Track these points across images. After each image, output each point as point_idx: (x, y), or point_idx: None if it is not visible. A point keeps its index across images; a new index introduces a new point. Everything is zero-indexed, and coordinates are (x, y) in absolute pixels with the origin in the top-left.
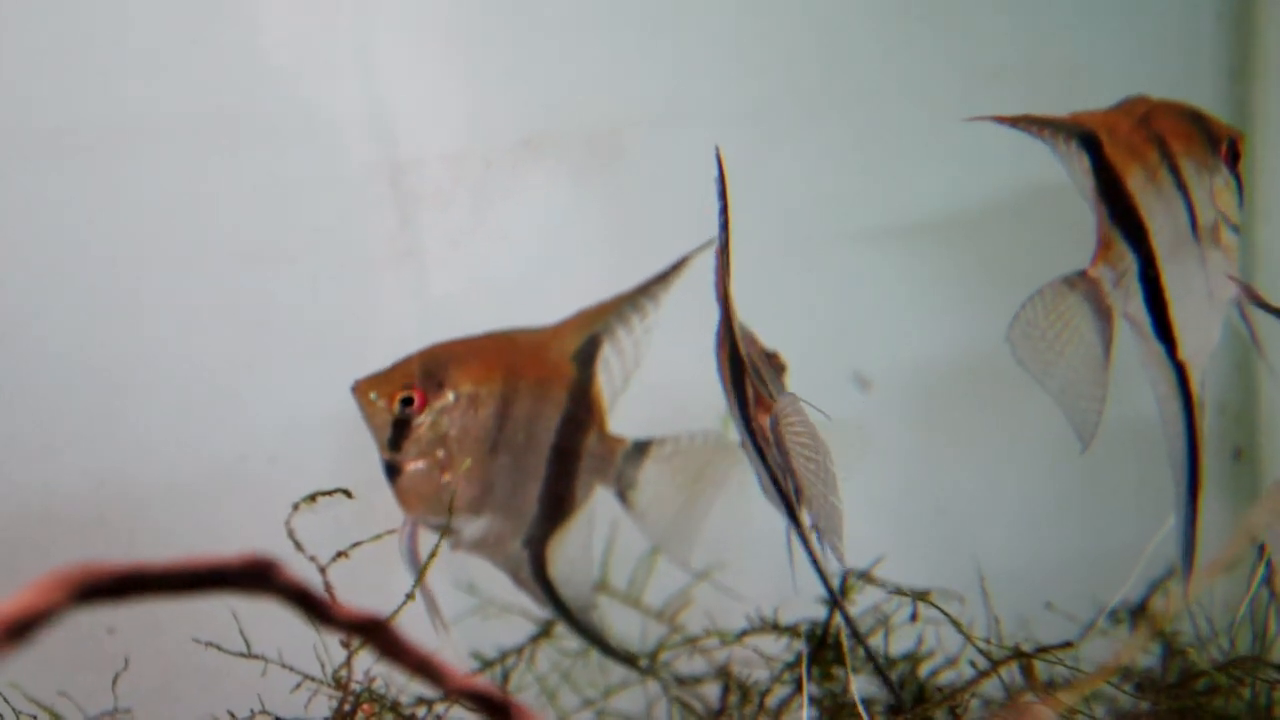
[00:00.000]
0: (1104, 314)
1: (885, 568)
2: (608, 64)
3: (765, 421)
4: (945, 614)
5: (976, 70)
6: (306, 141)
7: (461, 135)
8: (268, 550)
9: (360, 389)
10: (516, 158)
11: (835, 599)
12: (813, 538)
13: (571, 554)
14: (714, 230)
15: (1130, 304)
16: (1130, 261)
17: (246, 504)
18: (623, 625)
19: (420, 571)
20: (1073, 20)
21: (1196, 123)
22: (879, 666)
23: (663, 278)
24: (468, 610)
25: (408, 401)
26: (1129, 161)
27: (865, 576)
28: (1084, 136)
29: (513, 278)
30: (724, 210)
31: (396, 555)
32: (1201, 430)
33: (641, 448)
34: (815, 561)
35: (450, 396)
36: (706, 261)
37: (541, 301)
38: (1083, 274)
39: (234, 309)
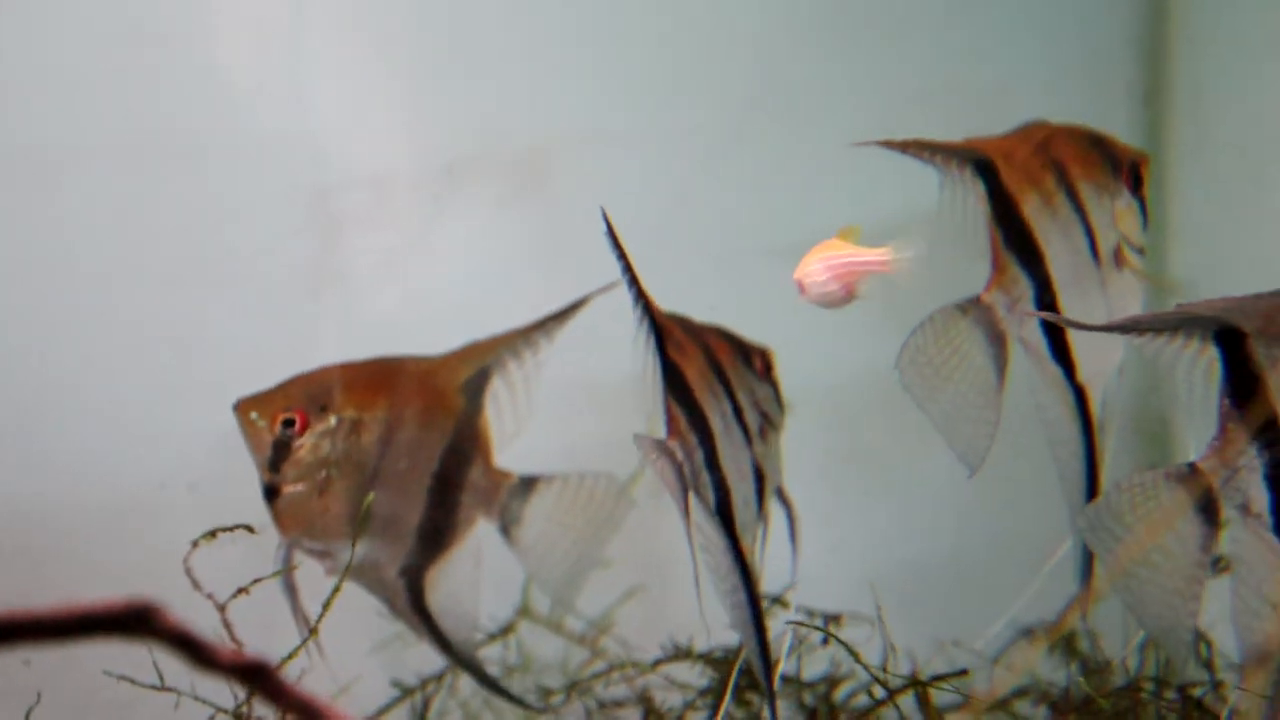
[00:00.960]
0: (997, 339)
1: (814, 591)
2: (533, 87)
3: (674, 444)
4: (841, 642)
5: (898, 93)
6: (233, 165)
7: (388, 158)
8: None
9: (242, 408)
10: (443, 180)
11: (761, 622)
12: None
13: (452, 586)
14: (633, 254)
15: (1025, 328)
16: (1025, 286)
17: (166, 532)
18: (545, 650)
19: (293, 593)
20: (991, 45)
21: (1098, 147)
22: (772, 696)
23: (559, 316)
24: (390, 636)
25: (289, 423)
26: (1025, 187)
27: (779, 601)
28: (979, 162)
29: (440, 300)
30: (625, 265)
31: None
32: (1101, 452)
33: (529, 484)
34: (750, 587)
35: (333, 420)
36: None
37: (469, 324)
38: (975, 300)
39: (158, 332)
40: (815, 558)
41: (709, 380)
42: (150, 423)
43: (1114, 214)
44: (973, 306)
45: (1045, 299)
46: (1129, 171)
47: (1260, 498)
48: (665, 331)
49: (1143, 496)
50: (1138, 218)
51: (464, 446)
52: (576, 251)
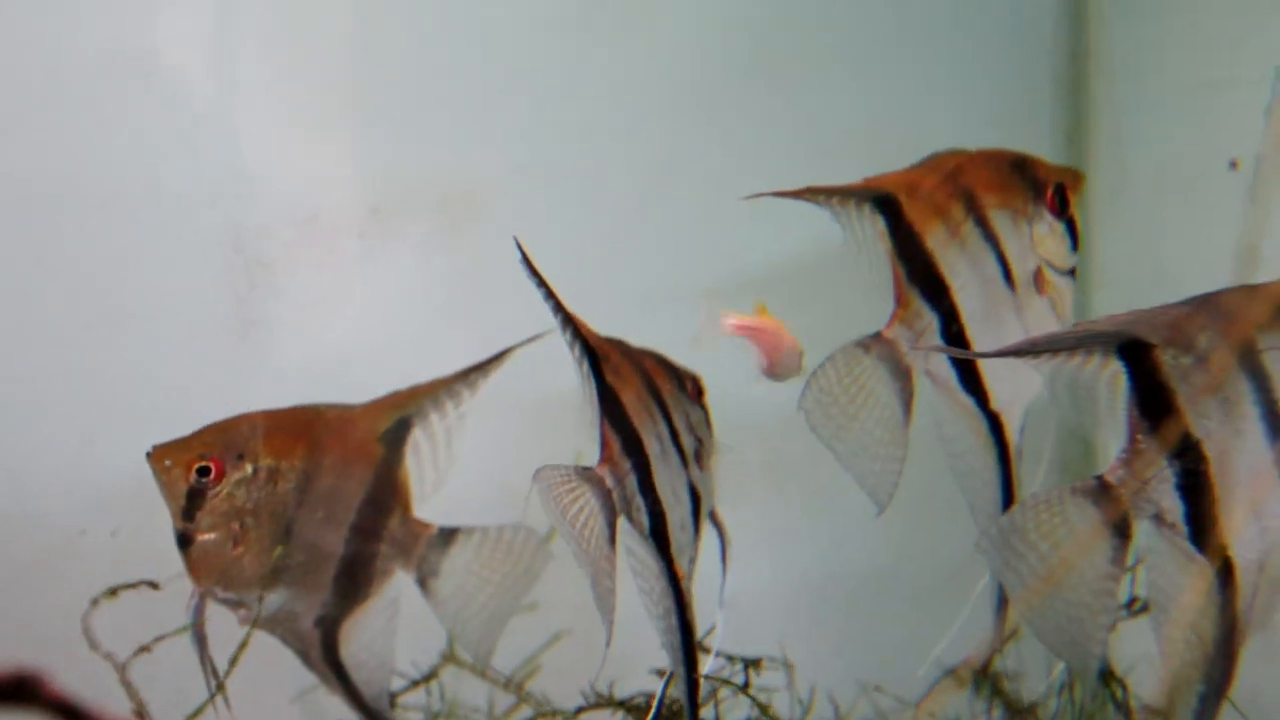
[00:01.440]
0: (901, 374)
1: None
2: (458, 131)
3: (603, 471)
4: (749, 695)
5: (825, 137)
6: (152, 207)
7: (310, 201)
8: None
9: (156, 456)
10: (366, 223)
11: (692, 646)
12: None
13: (367, 637)
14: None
15: (931, 361)
16: (929, 319)
17: (88, 579)
18: (470, 695)
19: (202, 644)
20: (914, 87)
21: (1018, 170)
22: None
23: (482, 367)
24: (312, 685)
25: (204, 471)
26: (929, 219)
27: (700, 646)
28: (879, 200)
29: (363, 344)
30: (548, 293)
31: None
32: (1016, 481)
33: (447, 535)
34: (683, 611)
35: (249, 469)
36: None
37: (396, 367)
38: (877, 336)
39: (77, 377)
40: (746, 583)
41: (646, 404)
42: (73, 468)
43: (1033, 238)
44: (875, 343)
45: (952, 330)
46: (1053, 194)
47: (1174, 507)
48: (602, 355)
49: (1048, 513)
50: (1063, 240)
51: (382, 497)
52: (504, 294)
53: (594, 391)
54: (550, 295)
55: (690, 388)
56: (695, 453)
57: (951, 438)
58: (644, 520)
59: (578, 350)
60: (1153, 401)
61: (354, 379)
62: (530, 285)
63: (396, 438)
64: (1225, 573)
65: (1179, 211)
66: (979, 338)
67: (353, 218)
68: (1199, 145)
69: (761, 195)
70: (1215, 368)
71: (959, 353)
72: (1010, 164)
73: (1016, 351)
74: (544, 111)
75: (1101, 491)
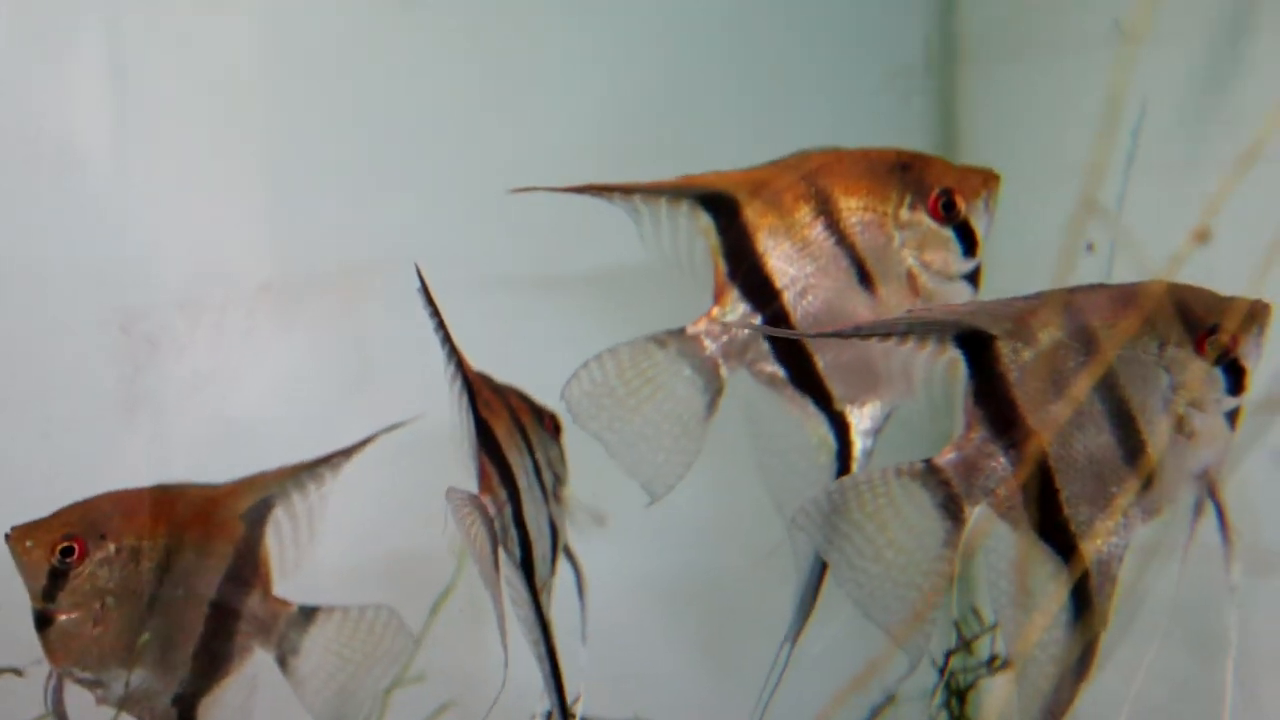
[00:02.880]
0: (705, 369)
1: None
2: (350, 209)
3: (482, 498)
4: None
5: None
6: (41, 287)
7: (199, 280)
8: None
9: (16, 537)
10: (255, 302)
11: (559, 679)
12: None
13: (225, 715)
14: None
15: (757, 360)
16: (747, 316)
17: None
18: None
19: None
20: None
21: (899, 172)
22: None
23: (346, 451)
24: None
25: (68, 552)
26: (767, 218)
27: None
28: (708, 198)
29: (252, 422)
30: (439, 323)
31: None
32: None
33: (308, 614)
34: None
35: (111, 548)
36: None
37: (282, 445)
38: (679, 332)
39: None
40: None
41: (514, 438)
42: None
43: (904, 242)
44: (674, 338)
45: (783, 327)
46: (937, 198)
47: (1012, 498)
48: (475, 388)
49: (872, 493)
50: (948, 246)
51: (243, 575)
52: (389, 372)
53: (470, 424)
54: (441, 325)
55: (549, 424)
56: (554, 488)
57: (769, 435)
58: (516, 551)
59: (458, 384)
60: (990, 391)
61: (242, 457)
62: (420, 363)
63: (258, 517)
64: (1073, 565)
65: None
66: (824, 341)
67: (243, 296)
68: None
69: (583, 190)
70: (1059, 364)
71: (771, 331)
72: (889, 166)
73: (839, 333)
74: (437, 191)
75: (929, 474)
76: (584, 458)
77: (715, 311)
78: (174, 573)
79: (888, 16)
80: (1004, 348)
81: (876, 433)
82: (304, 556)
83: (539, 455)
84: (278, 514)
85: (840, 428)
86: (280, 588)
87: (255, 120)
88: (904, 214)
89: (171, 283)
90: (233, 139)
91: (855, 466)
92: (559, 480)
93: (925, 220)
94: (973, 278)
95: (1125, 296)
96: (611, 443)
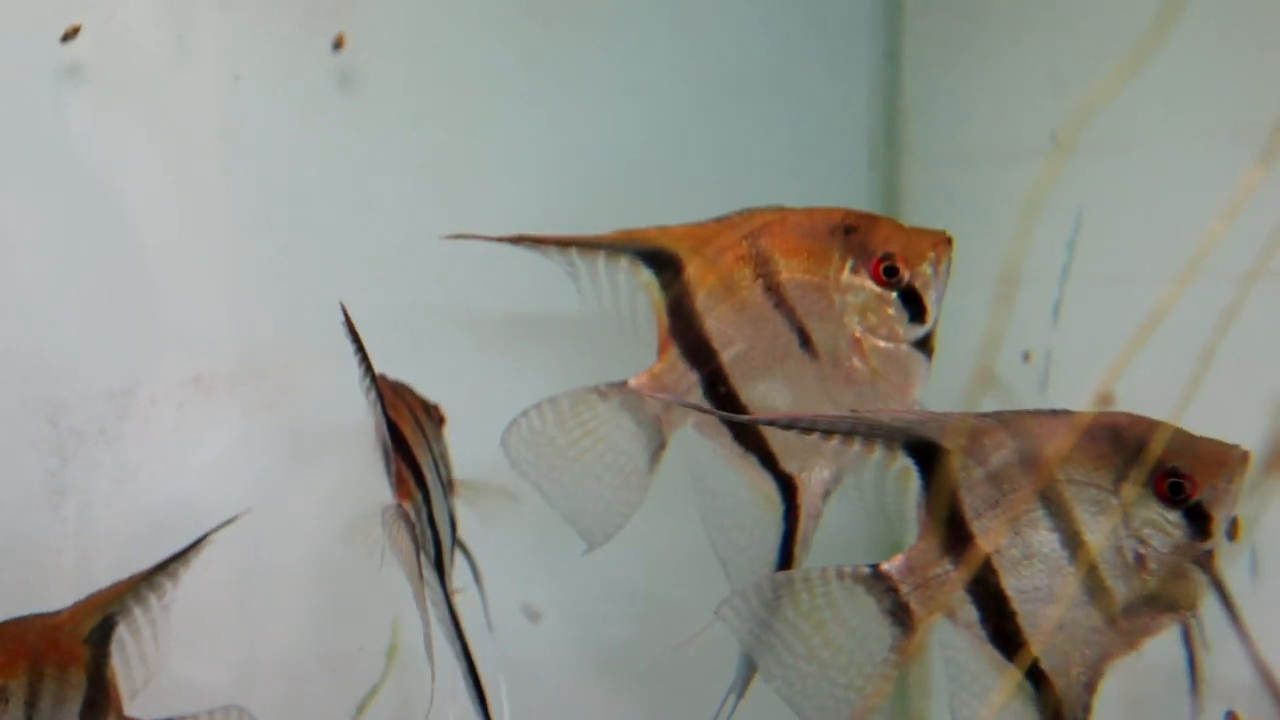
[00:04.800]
0: (646, 424)
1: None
2: (281, 300)
3: (403, 503)
4: None
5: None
6: None
7: (129, 371)
8: None
9: None
10: (187, 393)
11: (478, 680)
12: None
13: None
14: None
15: (695, 415)
16: (686, 375)
17: None
18: None
19: None
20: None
21: (841, 235)
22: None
23: (181, 556)
24: None
25: None
26: (707, 277)
27: None
28: (651, 254)
29: (181, 515)
30: (358, 346)
31: None
32: (799, 547)
33: None
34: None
35: None
36: None
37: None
38: (621, 384)
39: None
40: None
41: (419, 436)
42: None
43: (846, 307)
44: (616, 391)
45: (719, 390)
46: (879, 262)
47: (967, 611)
48: (381, 391)
49: (809, 594)
50: (893, 311)
51: (98, 700)
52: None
53: (385, 428)
54: (359, 346)
55: (435, 416)
56: (448, 482)
57: (713, 491)
58: (431, 551)
59: (373, 394)
60: (939, 504)
61: (169, 551)
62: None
63: (102, 638)
64: (1035, 679)
65: None
66: (764, 402)
67: (172, 387)
68: None
69: (522, 240)
70: (1008, 487)
71: (704, 409)
72: (832, 227)
73: (786, 424)
74: (368, 285)
75: (874, 579)
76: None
77: (657, 368)
78: (41, 710)
79: (834, 110)
80: (955, 462)
81: (827, 495)
82: (153, 671)
83: (435, 450)
84: (121, 632)
85: (787, 487)
86: (152, 702)
87: (187, 209)
88: (845, 278)
89: (100, 374)
90: (164, 228)
91: (801, 528)
92: (450, 472)
93: (868, 284)
94: (925, 344)
95: (1084, 427)
96: (549, 490)
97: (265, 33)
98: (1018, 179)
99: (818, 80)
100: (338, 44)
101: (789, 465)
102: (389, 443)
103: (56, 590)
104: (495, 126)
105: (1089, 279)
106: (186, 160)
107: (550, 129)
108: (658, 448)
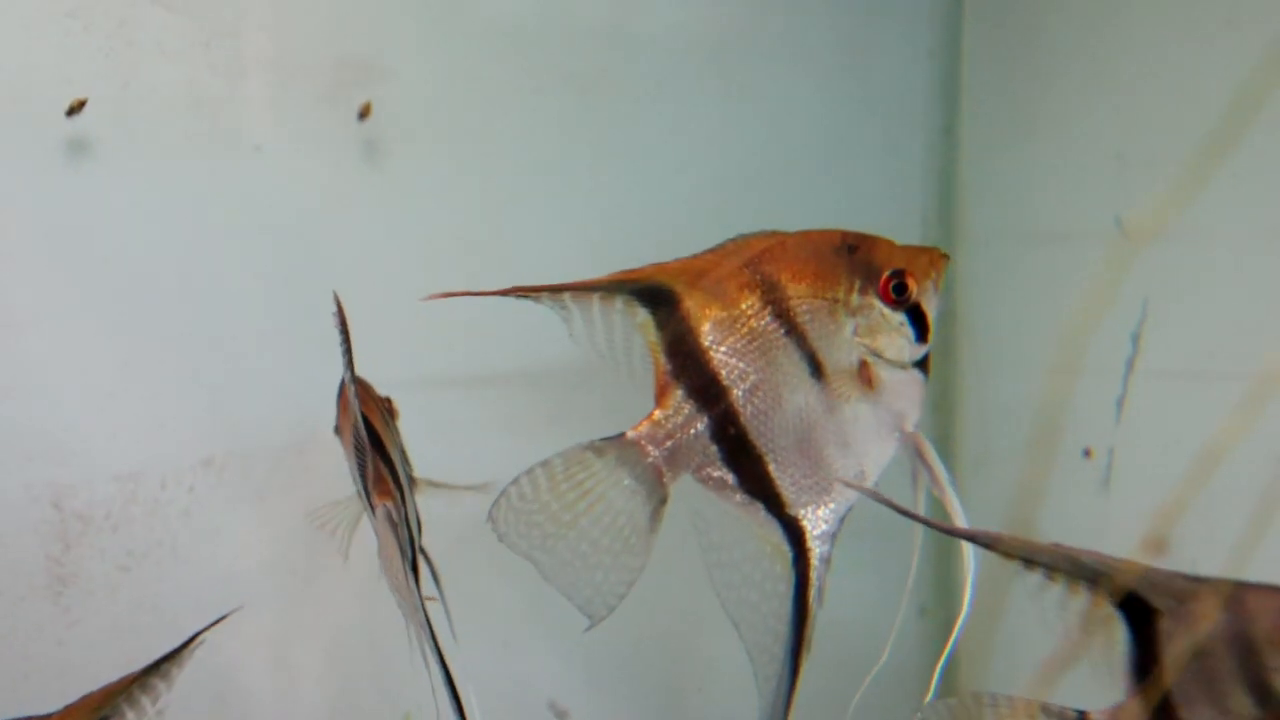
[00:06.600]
0: (646, 478)
1: None
2: (291, 382)
3: (387, 504)
4: None
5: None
6: None
7: (137, 455)
8: None
9: None
10: (197, 476)
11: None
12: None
13: None
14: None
15: (704, 463)
16: (691, 418)
17: None
18: None
19: None
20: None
21: (845, 255)
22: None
23: (173, 655)
24: None
25: None
26: (710, 311)
27: None
28: (645, 293)
29: (189, 602)
30: (346, 341)
31: None
32: (812, 597)
33: None
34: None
35: None
36: None
37: (220, 633)
38: (619, 437)
39: None
40: None
41: (389, 433)
42: None
43: (855, 329)
44: (612, 445)
45: (729, 432)
46: (887, 281)
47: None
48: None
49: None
50: (899, 331)
51: None
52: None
53: (363, 432)
54: (347, 342)
55: (390, 411)
56: (410, 479)
57: (718, 546)
58: (408, 551)
59: (351, 393)
60: (1142, 665)
61: (175, 640)
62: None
63: None
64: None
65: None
66: (777, 438)
67: (182, 470)
68: None
69: (512, 293)
70: (1212, 659)
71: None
72: (835, 248)
73: (985, 543)
74: (389, 359)
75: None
76: None
77: (658, 414)
78: None
79: (887, 189)
80: (1165, 625)
81: (834, 537)
82: None
83: (399, 447)
84: None
85: (795, 534)
86: None
87: (203, 286)
88: (855, 299)
89: (107, 457)
90: (177, 307)
91: (813, 575)
92: (412, 468)
93: (876, 304)
94: (923, 365)
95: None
96: (544, 564)
97: (288, 102)
98: (1079, 263)
99: (870, 158)
100: (364, 113)
101: (795, 509)
102: (366, 441)
103: (57, 684)
104: (526, 199)
105: (1155, 374)
106: (202, 235)
107: (585, 203)
108: (659, 504)
